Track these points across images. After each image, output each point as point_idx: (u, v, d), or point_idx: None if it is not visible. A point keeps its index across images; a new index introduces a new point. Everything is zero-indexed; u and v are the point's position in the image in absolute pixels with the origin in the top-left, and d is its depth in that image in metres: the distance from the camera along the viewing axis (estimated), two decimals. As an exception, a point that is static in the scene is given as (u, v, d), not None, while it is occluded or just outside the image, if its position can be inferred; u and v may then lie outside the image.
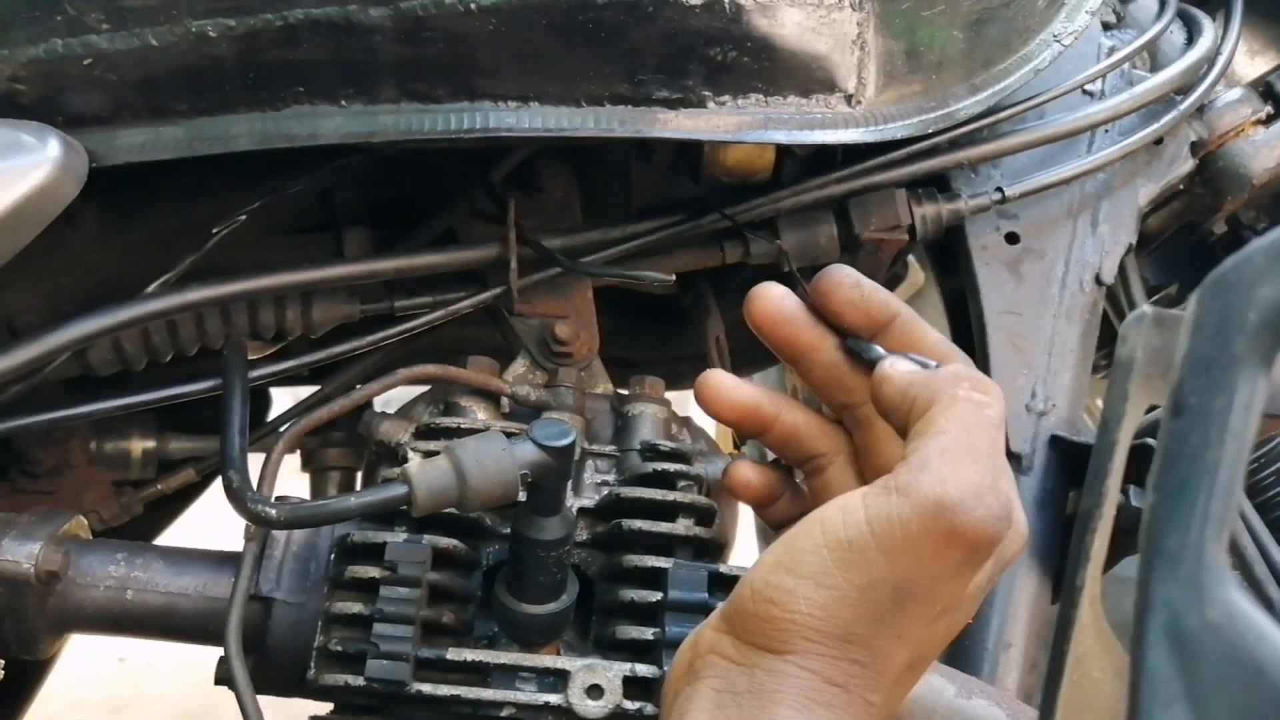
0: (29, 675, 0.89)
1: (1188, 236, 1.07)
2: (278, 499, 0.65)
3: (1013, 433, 0.83)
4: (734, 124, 0.64)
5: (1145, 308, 0.35)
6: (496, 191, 0.78)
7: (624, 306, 1.01)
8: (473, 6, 0.59)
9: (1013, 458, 0.82)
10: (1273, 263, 0.28)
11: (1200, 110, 0.93)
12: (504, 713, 0.63)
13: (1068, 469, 0.82)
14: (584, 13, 0.60)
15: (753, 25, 0.62)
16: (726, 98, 0.64)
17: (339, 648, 0.63)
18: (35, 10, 0.59)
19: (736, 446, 1.00)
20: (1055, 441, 0.82)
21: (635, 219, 0.80)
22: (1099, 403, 1.16)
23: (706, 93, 0.63)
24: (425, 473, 0.58)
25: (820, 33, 0.64)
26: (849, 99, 0.66)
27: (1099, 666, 0.36)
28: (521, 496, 0.61)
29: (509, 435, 0.61)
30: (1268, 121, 0.94)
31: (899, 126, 0.68)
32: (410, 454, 0.69)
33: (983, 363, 0.85)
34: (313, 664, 0.64)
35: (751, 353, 1.06)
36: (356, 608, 0.63)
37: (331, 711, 0.66)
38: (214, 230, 0.73)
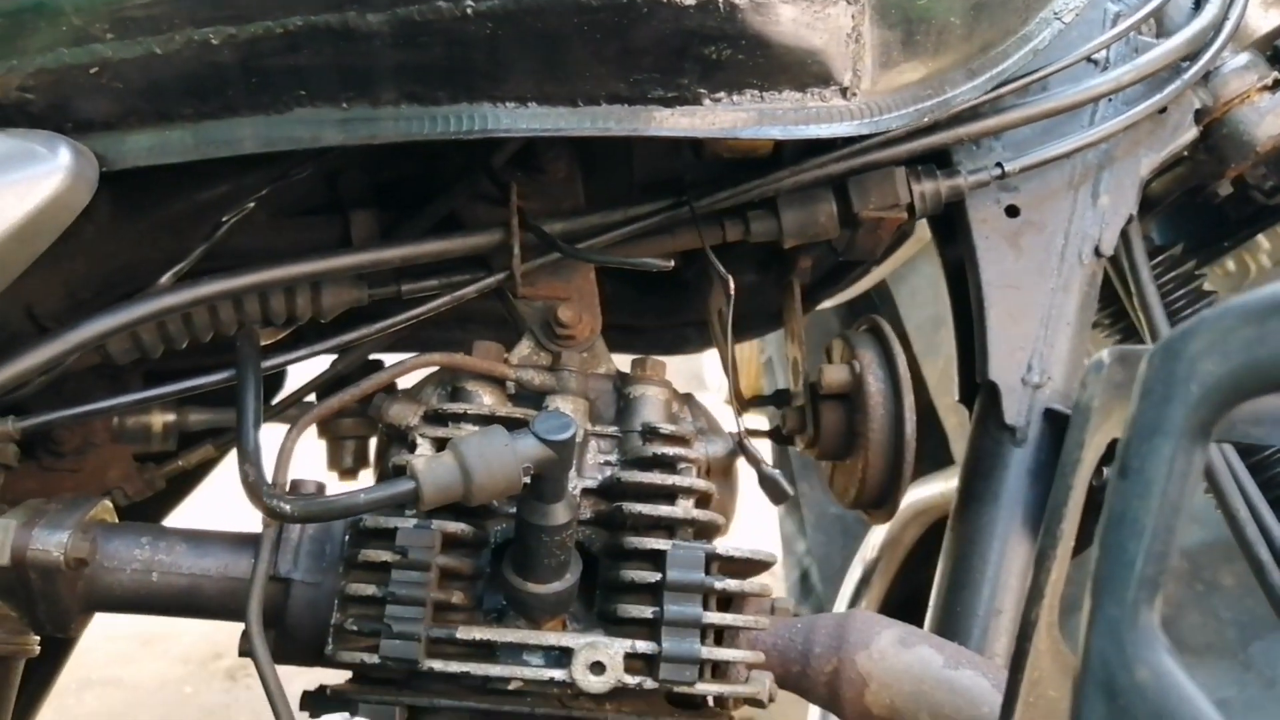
0: (60, 648, 0.93)
1: (1193, 197, 1.07)
2: (291, 491, 0.68)
3: (1008, 405, 0.84)
4: (729, 120, 0.65)
5: (1104, 353, 0.37)
6: (498, 175, 0.80)
7: (630, 276, 1.02)
8: (469, 10, 0.60)
9: (1008, 430, 0.84)
10: (1220, 337, 0.30)
11: (1206, 77, 0.92)
12: (511, 686, 0.67)
13: (1061, 441, 0.84)
14: (579, 15, 0.61)
15: (747, 23, 0.63)
16: (722, 94, 0.64)
17: (354, 627, 0.67)
18: (40, 21, 0.60)
19: (740, 410, 1.02)
20: (1049, 414, 0.84)
21: (637, 197, 0.82)
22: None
23: (702, 90, 0.64)
24: (431, 469, 0.60)
25: (815, 28, 0.64)
26: (844, 92, 0.67)
27: (1055, 685, 0.38)
28: (525, 480, 0.64)
29: (512, 424, 0.63)
30: (1274, 87, 0.93)
31: (894, 117, 0.69)
32: (419, 439, 0.72)
33: (980, 335, 0.87)
34: (330, 640, 0.68)
35: (756, 318, 1.08)
36: (370, 589, 0.67)
37: (349, 680, 0.70)
38: (223, 219, 0.74)
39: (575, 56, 0.62)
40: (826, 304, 1.19)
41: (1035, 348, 0.86)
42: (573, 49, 0.62)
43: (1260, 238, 1.24)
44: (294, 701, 0.69)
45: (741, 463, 0.84)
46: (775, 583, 2.74)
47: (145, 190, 0.78)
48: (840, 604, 1.36)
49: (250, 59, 0.61)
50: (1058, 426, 0.84)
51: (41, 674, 0.95)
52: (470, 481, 0.60)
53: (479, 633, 0.67)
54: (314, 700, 0.72)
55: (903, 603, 1.41)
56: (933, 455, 1.47)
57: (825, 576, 2.60)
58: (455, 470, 0.60)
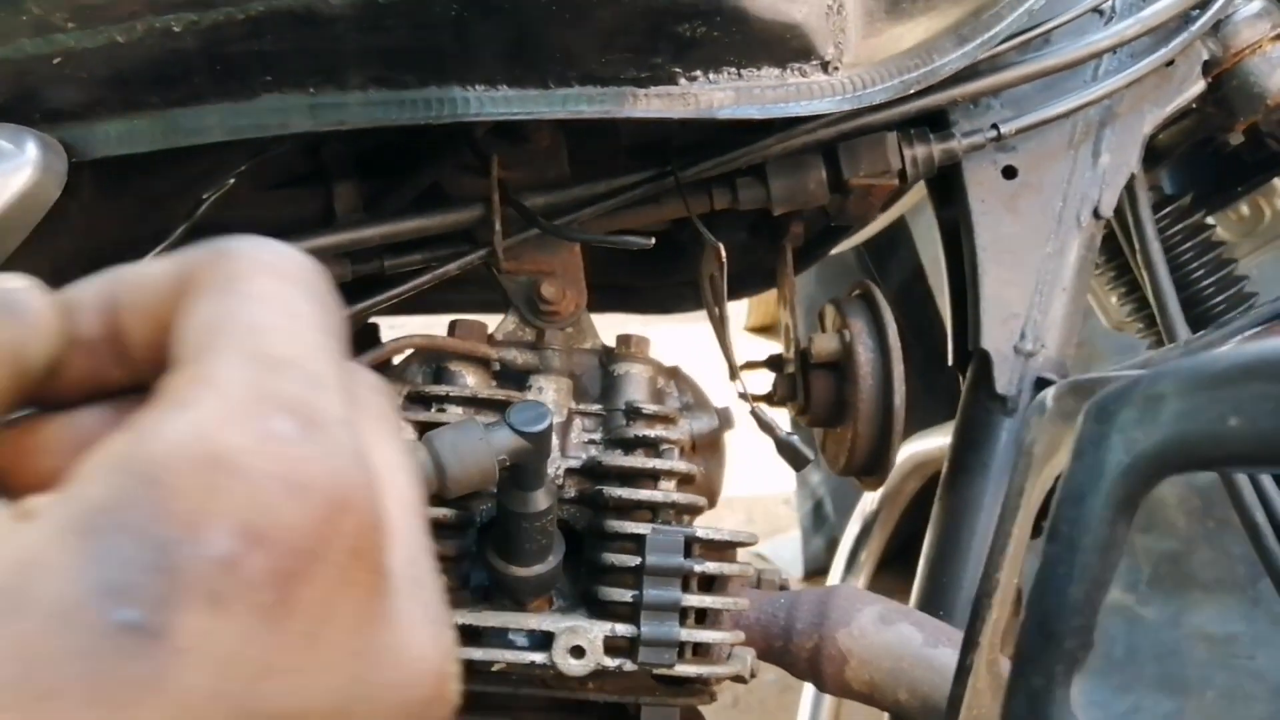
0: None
1: (1203, 147, 1.04)
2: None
3: (1000, 374, 0.84)
4: (706, 100, 0.63)
5: (1048, 392, 0.36)
6: (480, 146, 0.78)
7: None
8: (432, -8, 0.58)
9: (999, 400, 0.84)
10: (1151, 406, 0.29)
11: (1215, 26, 0.89)
12: (495, 669, 0.68)
13: (1053, 410, 0.83)
14: (547, -5, 0.59)
15: (722, -1, 0.61)
16: (698, 73, 0.63)
17: (340, 609, 0.68)
18: (-1, 12, 0.59)
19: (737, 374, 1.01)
20: (1041, 384, 0.83)
21: (624, 162, 0.80)
22: (1113, 300, 1.15)
23: (677, 69, 0.62)
24: (405, 464, 0.61)
25: (794, 0, 0.62)
26: (825, 66, 0.65)
27: (996, 720, 0.39)
28: (503, 468, 0.64)
29: (495, 405, 0.63)
30: (1287, 37, 0.89)
31: (878, 90, 0.67)
32: (401, 423, 0.72)
33: (974, 301, 0.85)
34: (317, 622, 0.69)
35: (750, 278, 1.07)
36: (355, 573, 0.68)
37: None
38: (204, 195, 0.74)
39: (545, 36, 0.61)
40: (840, 248, 1.17)
41: (1029, 315, 0.84)
42: (543, 30, 0.60)
43: (1276, 181, 1.20)
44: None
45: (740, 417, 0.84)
46: (789, 512, 2.77)
47: (128, 165, 0.77)
48: (840, 556, 1.37)
49: (213, 46, 0.60)
50: (1050, 395, 0.84)
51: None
52: (444, 476, 0.60)
53: (461, 617, 0.68)
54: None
55: (903, 546, 1.42)
56: (946, 389, 1.46)
57: (838, 507, 2.62)
58: (428, 465, 0.60)
